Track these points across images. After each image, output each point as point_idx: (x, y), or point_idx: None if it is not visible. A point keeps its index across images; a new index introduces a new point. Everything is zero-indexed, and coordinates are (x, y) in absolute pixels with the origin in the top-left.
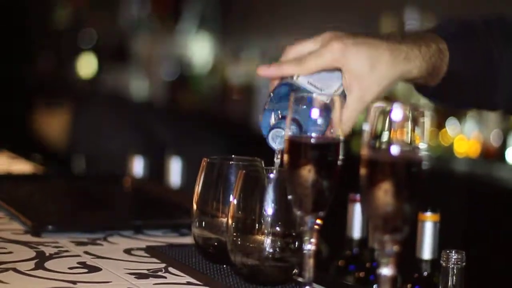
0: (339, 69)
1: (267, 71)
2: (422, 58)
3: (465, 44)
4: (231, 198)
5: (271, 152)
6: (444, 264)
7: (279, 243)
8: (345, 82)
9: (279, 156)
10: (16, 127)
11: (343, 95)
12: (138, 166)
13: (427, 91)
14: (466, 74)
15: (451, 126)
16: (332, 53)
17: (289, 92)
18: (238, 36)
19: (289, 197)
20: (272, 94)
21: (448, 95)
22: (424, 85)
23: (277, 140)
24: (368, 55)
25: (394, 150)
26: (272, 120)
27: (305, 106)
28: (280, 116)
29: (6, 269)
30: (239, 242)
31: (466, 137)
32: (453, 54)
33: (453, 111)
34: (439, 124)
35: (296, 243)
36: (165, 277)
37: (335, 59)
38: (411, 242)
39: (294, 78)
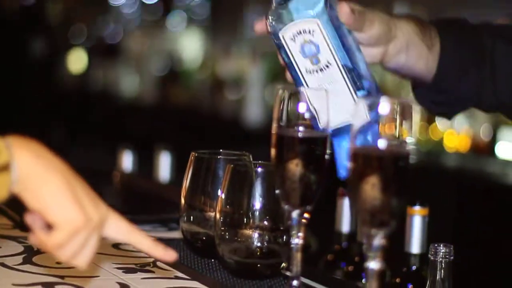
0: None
1: None
2: (410, 18)
3: (454, 32)
4: (219, 192)
5: (260, 147)
6: (432, 258)
7: (267, 237)
8: None
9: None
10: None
11: None
12: (127, 161)
13: (424, 93)
14: (459, 60)
15: (441, 121)
16: None
17: None
18: (228, 31)
19: (277, 191)
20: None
21: (444, 90)
22: (421, 82)
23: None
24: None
25: (381, 144)
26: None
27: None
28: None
29: None
30: (227, 236)
31: (456, 131)
32: (443, 40)
33: None
34: (429, 119)
35: (284, 237)
36: (153, 272)
37: None
38: (399, 236)
39: None
